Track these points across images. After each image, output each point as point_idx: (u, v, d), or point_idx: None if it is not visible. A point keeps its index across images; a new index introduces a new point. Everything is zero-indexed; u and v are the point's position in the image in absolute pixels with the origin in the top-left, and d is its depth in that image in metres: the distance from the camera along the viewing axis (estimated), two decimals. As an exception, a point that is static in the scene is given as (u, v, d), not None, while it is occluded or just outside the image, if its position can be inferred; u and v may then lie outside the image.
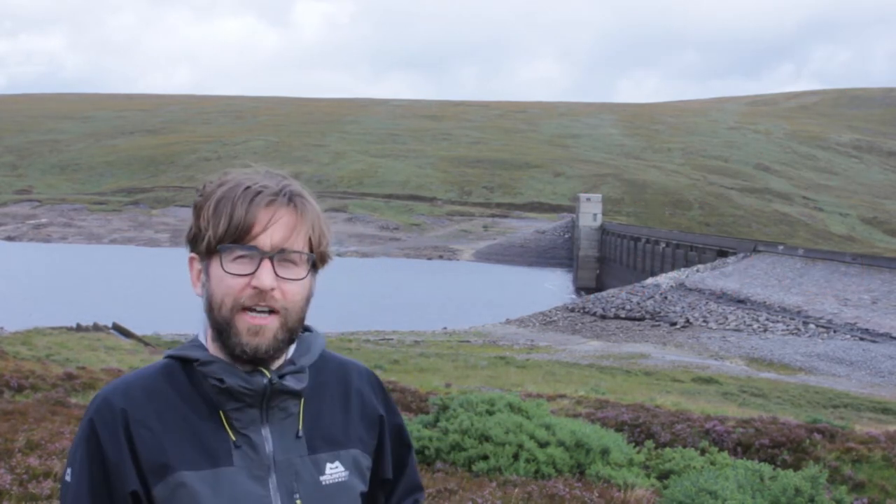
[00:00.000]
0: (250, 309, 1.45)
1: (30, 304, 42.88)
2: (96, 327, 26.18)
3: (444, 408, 7.71)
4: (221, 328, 1.46)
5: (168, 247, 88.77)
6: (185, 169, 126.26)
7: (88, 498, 1.44)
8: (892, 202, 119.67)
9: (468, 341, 35.57)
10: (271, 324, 1.45)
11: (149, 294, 50.27)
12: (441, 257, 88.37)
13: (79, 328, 25.74)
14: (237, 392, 1.47)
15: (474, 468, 6.67)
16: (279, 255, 1.45)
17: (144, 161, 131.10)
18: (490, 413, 7.40)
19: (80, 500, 1.45)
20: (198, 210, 1.50)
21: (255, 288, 1.44)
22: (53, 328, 25.85)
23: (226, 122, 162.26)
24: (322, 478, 1.51)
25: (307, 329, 1.61)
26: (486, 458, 6.76)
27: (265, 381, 1.47)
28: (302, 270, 1.48)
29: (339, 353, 1.72)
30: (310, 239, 1.50)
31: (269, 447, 1.48)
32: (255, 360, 1.46)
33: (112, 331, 26.21)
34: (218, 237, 1.45)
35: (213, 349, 1.51)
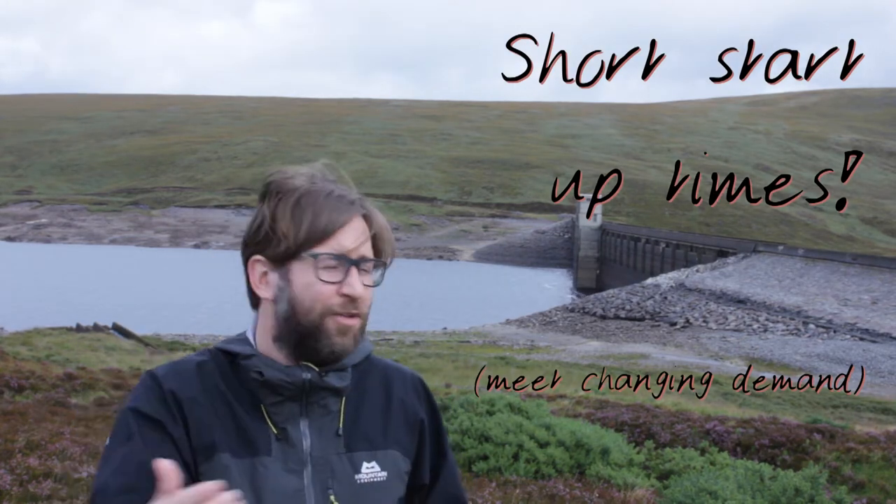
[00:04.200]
0: (340, 314, 1.49)
1: (30, 304, 42.87)
2: (96, 327, 26.17)
3: (444, 408, 7.71)
4: (307, 332, 1.48)
5: (168, 247, 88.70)
6: (185, 169, 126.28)
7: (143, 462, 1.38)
8: (892, 202, 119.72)
9: (468, 341, 35.58)
10: (355, 325, 1.50)
11: (149, 294, 50.27)
12: (441, 257, 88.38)
13: (79, 328, 25.74)
14: (276, 385, 1.48)
15: (474, 468, 6.67)
16: (362, 264, 1.50)
17: (144, 161, 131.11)
18: (490, 413, 7.40)
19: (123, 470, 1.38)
20: (271, 212, 1.49)
21: (345, 295, 1.47)
22: (53, 328, 25.85)
23: (225, 123, 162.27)
24: (357, 476, 1.52)
25: None
26: (486, 458, 6.77)
27: (304, 375, 1.49)
28: (372, 278, 1.52)
29: None
30: (381, 247, 1.55)
31: (306, 442, 1.50)
32: (336, 360, 1.50)
33: (112, 331, 26.21)
34: (300, 243, 1.47)
35: (266, 348, 1.51)
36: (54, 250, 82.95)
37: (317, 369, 1.50)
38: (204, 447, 1.45)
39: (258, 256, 1.51)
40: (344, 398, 1.56)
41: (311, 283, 1.47)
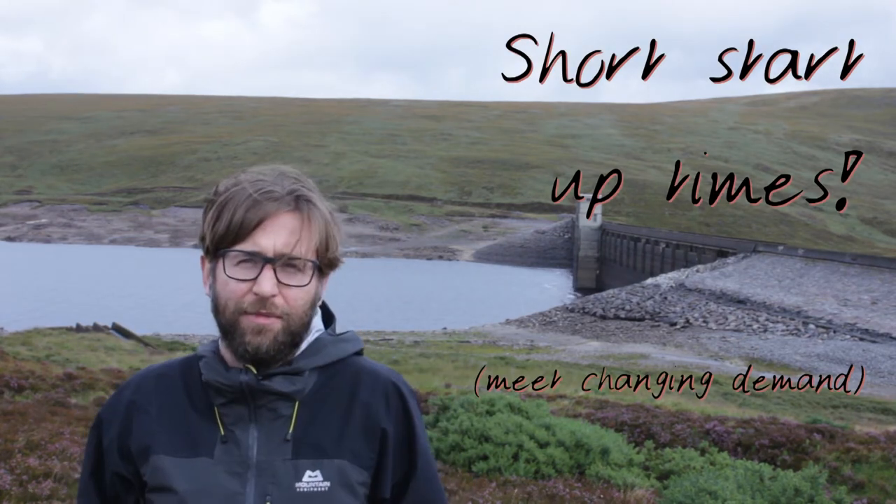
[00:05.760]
0: (252, 313, 1.45)
1: (30, 304, 42.86)
2: (96, 327, 26.15)
3: (444, 408, 7.72)
4: (226, 329, 1.48)
5: (168, 247, 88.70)
6: (185, 169, 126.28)
7: (87, 478, 1.59)
8: (892, 202, 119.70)
9: (468, 341, 35.55)
10: (274, 325, 1.45)
11: (149, 294, 50.26)
12: (441, 257, 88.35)
13: (79, 328, 25.71)
14: (215, 387, 1.50)
15: (474, 468, 6.67)
16: (282, 261, 1.44)
17: (144, 161, 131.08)
18: (490, 413, 7.40)
19: (82, 479, 1.60)
20: (206, 211, 1.52)
21: (256, 294, 1.43)
22: (53, 328, 25.83)
23: (225, 123, 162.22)
24: (298, 484, 1.47)
25: (341, 334, 1.60)
26: (485, 458, 6.76)
27: (241, 377, 1.47)
28: (305, 277, 1.47)
29: None
30: (316, 244, 1.48)
31: (252, 446, 1.49)
32: (257, 360, 1.46)
33: (112, 331, 26.19)
34: (217, 239, 1.47)
35: (222, 347, 1.53)
36: (54, 250, 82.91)
37: (255, 372, 1.47)
38: (141, 451, 1.50)
39: (202, 254, 1.54)
40: (298, 403, 1.51)
41: (225, 279, 1.46)
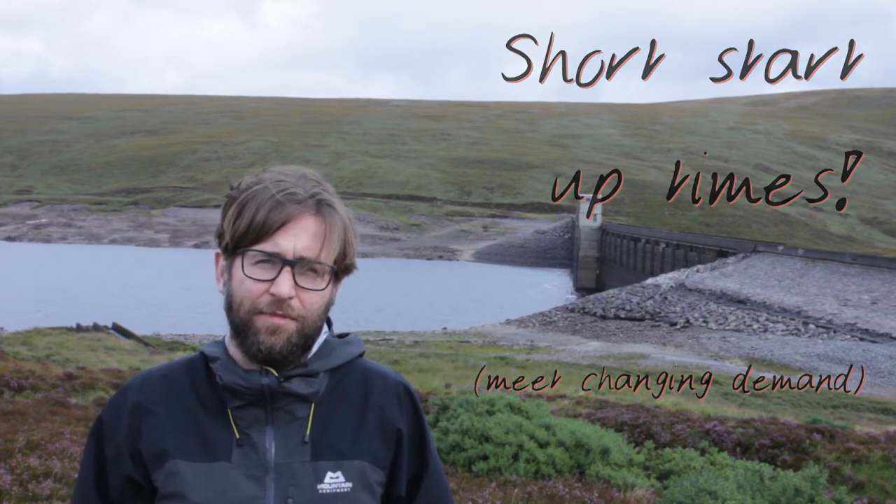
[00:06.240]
0: (267, 313, 1.45)
1: (30, 304, 42.85)
2: (96, 327, 26.15)
3: (445, 408, 7.73)
4: (239, 328, 1.47)
5: (168, 247, 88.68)
6: (185, 169, 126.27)
7: (88, 483, 1.53)
8: (892, 202, 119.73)
9: (468, 341, 35.55)
10: (288, 326, 1.45)
11: (149, 294, 50.25)
12: (441, 257, 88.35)
13: (79, 328, 25.71)
14: (234, 389, 1.48)
15: (474, 468, 6.67)
16: (300, 264, 1.44)
17: (144, 161, 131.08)
18: (490, 413, 7.40)
19: (81, 485, 1.54)
20: (226, 208, 1.50)
21: (272, 295, 1.43)
22: (53, 328, 25.83)
23: (225, 123, 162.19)
24: (320, 486, 1.48)
25: (344, 335, 1.60)
26: (486, 458, 6.76)
27: (263, 380, 1.46)
28: (322, 281, 1.47)
29: None
30: (335, 250, 1.48)
31: (270, 449, 1.48)
32: (269, 360, 1.46)
33: (112, 331, 26.19)
34: (237, 238, 1.46)
35: (231, 347, 1.51)
36: (54, 250, 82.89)
37: (275, 374, 1.47)
38: (154, 455, 1.47)
39: (218, 251, 1.53)
40: (314, 405, 1.52)
41: (242, 278, 1.45)
